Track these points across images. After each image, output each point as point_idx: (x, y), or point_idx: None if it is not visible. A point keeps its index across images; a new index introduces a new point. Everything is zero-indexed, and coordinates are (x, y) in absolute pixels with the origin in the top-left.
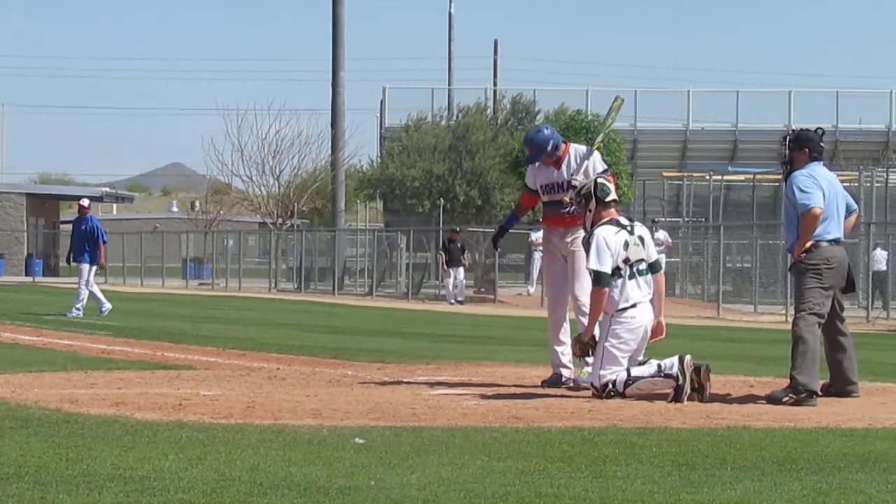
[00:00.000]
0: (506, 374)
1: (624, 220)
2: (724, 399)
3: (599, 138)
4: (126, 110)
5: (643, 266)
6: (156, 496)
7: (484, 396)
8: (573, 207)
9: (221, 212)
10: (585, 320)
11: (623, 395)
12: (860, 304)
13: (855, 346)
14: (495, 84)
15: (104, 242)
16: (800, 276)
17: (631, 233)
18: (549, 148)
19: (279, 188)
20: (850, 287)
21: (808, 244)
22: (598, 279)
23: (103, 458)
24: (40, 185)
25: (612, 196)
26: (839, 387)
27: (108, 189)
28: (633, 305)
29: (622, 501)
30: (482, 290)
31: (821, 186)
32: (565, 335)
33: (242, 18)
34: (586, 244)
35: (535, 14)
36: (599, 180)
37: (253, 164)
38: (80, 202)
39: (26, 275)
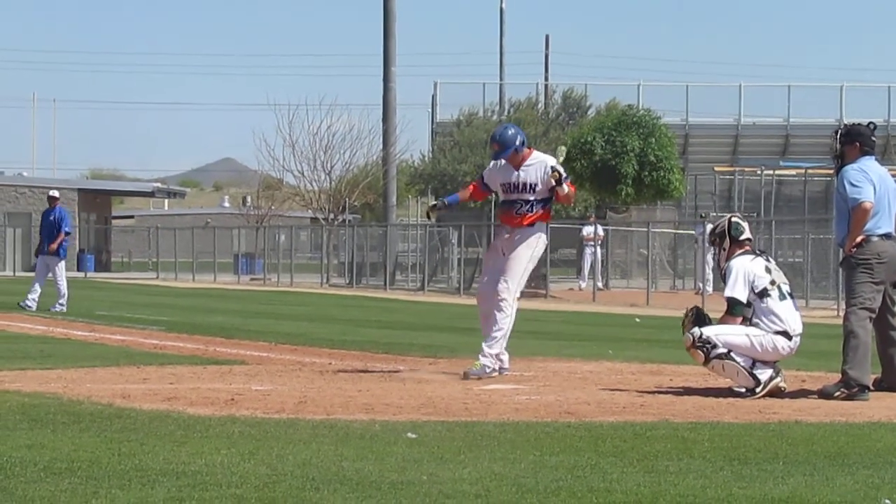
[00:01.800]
0: (558, 369)
1: (758, 250)
2: (777, 394)
3: (560, 157)
4: (177, 105)
5: (789, 289)
6: (208, 491)
7: (535, 391)
8: (529, 207)
9: (273, 207)
10: (499, 321)
11: (707, 360)
12: None
13: None
14: (546, 79)
15: (64, 232)
16: (851, 271)
17: (767, 260)
18: (518, 144)
19: (330, 183)
20: None
21: (859, 239)
22: (732, 308)
23: (155, 453)
24: (92, 181)
25: (747, 235)
26: (891, 381)
27: (159, 185)
28: (790, 337)
29: (674, 496)
30: (533, 285)
31: (871, 181)
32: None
33: (294, 13)
34: (722, 276)
35: (587, 8)
36: (734, 219)
37: (304, 159)
38: (50, 193)
39: (78, 270)
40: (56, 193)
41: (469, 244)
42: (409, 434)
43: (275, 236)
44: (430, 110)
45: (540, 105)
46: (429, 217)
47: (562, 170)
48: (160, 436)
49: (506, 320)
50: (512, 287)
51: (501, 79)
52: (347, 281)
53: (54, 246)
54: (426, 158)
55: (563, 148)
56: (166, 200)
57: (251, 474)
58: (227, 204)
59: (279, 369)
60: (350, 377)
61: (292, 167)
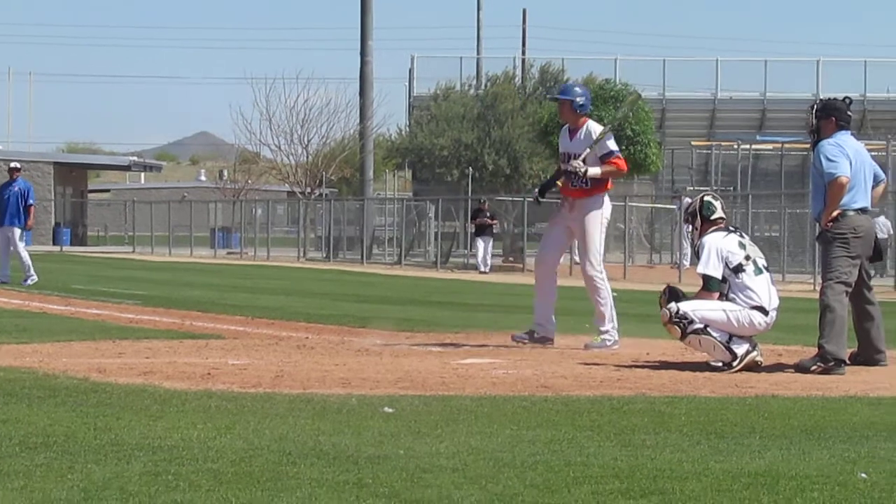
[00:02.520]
0: (534, 343)
1: (732, 227)
2: (753, 368)
3: (606, 129)
4: (154, 79)
5: (765, 263)
6: (184, 465)
7: (513, 365)
8: (579, 180)
9: (250, 181)
10: (599, 298)
11: (684, 336)
12: (888, 273)
13: (883, 314)
14: (524, 53)
15: (30, 204)
16: (827, 246)
17: (741, 236)
18: (577, 100)
19: (307, 157)
20: (877, 256)
21: (835, 213)
22: (708, 284)
23: (132, 428)
24: (68, 155)
25: (718, 214)
26: (867, 355)
27: (136, 158)
28: (766, 313)
29: (651, 470)
30: (511, 259)
31: (848, 155)
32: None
33: None
34: (696, 252)
35: None
36: (706, 198)
37: (281, 133)
38: (11, 165)
39: (54, 244)
40: (17, 165)
41: (446, 218)
42: (386, 408)
43: (251, 210)
44: (406, 84)
45: (517, 79)
46: (538, 202)
47: (579, 167)
48: (136, 410)
49: (605, 295)
50: (595, 262)
51: (479, 53)
52: (324, 255)
53: (31, 223)
54: (403, 132)
55: (637, 93)
56: (142, 174)
57: (228, 448)
58: (203, 178)
59: (256, 343)
60: (327, 351)
61: (269, 141)
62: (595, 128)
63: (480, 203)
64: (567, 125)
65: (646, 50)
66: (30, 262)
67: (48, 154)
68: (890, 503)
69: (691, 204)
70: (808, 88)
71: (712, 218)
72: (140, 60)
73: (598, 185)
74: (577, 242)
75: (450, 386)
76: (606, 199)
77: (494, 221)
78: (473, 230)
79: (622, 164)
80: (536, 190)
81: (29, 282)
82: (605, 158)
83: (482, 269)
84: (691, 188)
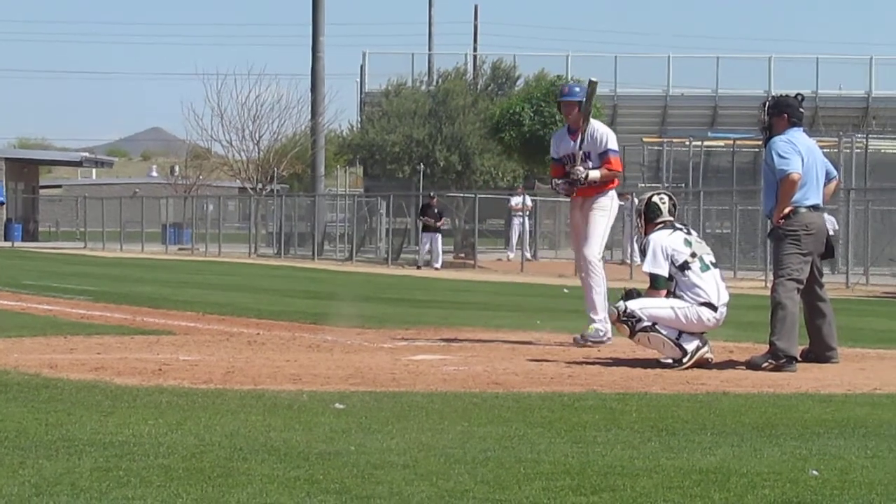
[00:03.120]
0: (486, 340)
1: (678, 224)
2: (704, 365)
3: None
4: (106, 75)
5: (713, 259)
6: (135, 461)
7: (464, 362)
8: (582, 177)
9: (201, 177)
10: (595, 285)
11: (633, 334)
12: (839, 270)
13: (834, 311)
14: (475, 49)
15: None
16: (778, 242)
17: (687, 233)
18: (581, 99)
19: (259, 153)
20: (829, 253)
21: (787, 210)
22: (655, 282)
23: (83, 423)
24: (19, 150)
25: (663, 217)
26: (818, 352)
27: (87, 154)
28: (715, 309)
29: (602, 467)
30: (462, 255)
31: (799, 152)
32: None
33: None
34: (641, 251)
35: None
36: (653, 200)
37: (233, 128)
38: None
39: (5, 240)
40: None
41: (397, 214)
42: (337, 404)
43: (203, 206)
44: (358, 80)
45: (469, 76)
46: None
47: (581, 173)
48: (87, 406)
49: (600, 283)
50: (596, 248)
51: (430, 49)
52: (276, 251)
53: None
54: (355, 128)
55: (595, 81)
56: (94, 170)
57: (179, 444)
58: (155, 174)
59: (207, 339)
60: (278, 347)
61: (221, 137)
62: (600, 127)
63: (430, 198)
64: (567, 126)
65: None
66: None
67: (0, 150)
68: (841, 500)
69: (640, 201)
70: (760, 85)
71: (656, 221)
72: (92, 56)
73: (606, 182)
74: (582, 228)
75: (401, 382)
76: (614, 194)
77: (441, 222)
78: (419, 226)
79: (618, 165)
80: (561, 182)
81: None
82: (603, 157)
83: (427, 265)
84: (643, 185)
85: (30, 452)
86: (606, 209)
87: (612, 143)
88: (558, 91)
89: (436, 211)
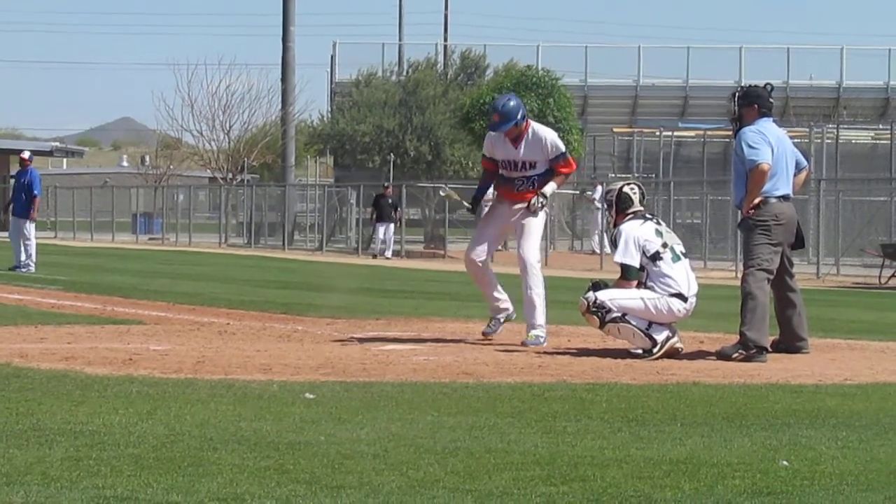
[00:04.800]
0: (455, 330)
1: (648, 214)
2: (674, 355)
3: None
4: (76, 64)
5: (683, 249)
6: (106, 450)
7: (434, 352)
8: (527, 183)
9: (171, 166)
10: (536, 287)
11: (603, 324)
12: (810, 261)
13: (805, 302)
14: (446, 39)
15: (35, 196)
16: (748, 233)
17: (658, 223)
18: (519, 118)
19: (229, 143)
20: (799, 243)
21: (757, 200)
22: (626, 272)
23: (53, 413)
24: None
25: (635, 208)
26: (789, 343)
27: (58, 144)
28: (685, 299)
29: (572, 457)
30: (432, 245)
31: (769, 142)
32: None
33: None
34: (612, 241)
35: None
36: (625, 190)
37: (203, 118)
38: (21, 154)
39: None
40: (27, 155)
41: (368, 204)
42: (307, 394)
43: (173, 196)
44: (328, 70)
45: (439, 66)
46: (473, 211)
47: (543, 201)
48: (58, 395)
49: (540, 284)
50: (535, 249)
51: (400, 39)
52: (246, 241)
53: (34, 215)
54: (325, 118)
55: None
56: (65, 160)
57: (149, 434)
58: (125, 163)
59: (177, 329)
60: (248, 337)
61: (191, 127)
62: (544, 132)
63: (384, 188)
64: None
65: (568, 36)
66: (34, 253)
67: None
68: (811, 491)
69: (611, 191)
70: (731, 75)
71: (628, 211)
72: (62, 45)
73: (541, 185)
74: (517, 232)
75: (371, 372)
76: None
77: (398, 213)
78: (373, 215)
79: (571, 166)
80: (468, 203)
81: (20, 270)
82: (556, 161)
83: (376, 255)
84: (613, 175)
85: (0, 442)
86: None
87: (562, 145)
88: (490, 120)
89: (390, 201)
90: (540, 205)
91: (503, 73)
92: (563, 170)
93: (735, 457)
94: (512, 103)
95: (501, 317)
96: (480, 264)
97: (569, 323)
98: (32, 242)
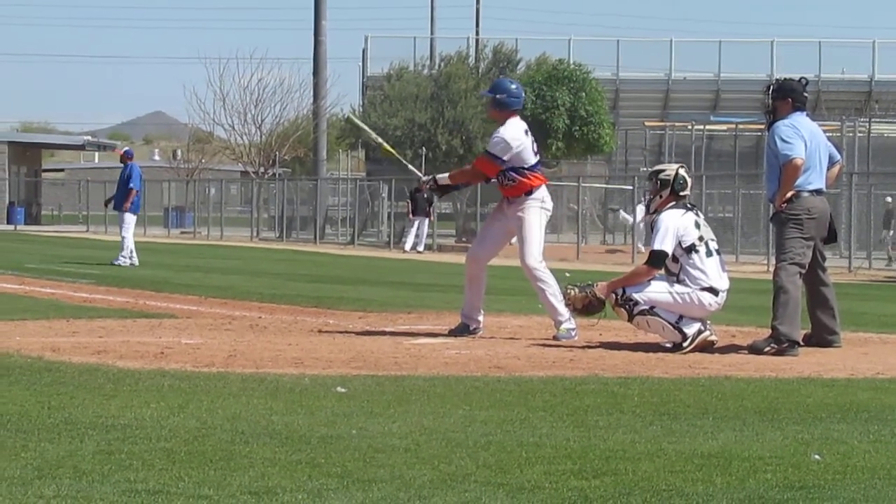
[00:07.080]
0: (487, 324)
1: (689, 204)
2: (707, 348)
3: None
4: (108, 58)
5: (716, 245)
6: (137, 444)
7: (465, 346)
8: (510, 180)
9: (203, 160)
10: (546, 288)
11: (631, 317)
12: (842, 255)
13: (837, 296)
14: (477, 33)
15: (130, 188)
16: (781, 227)
17: (697, 215)
18: (495, 95)
19: (261, 137)
20: (831, 237)
21: (790, 194)
22: (656, 260)
23: (85, 407)
24: (22, 134)
25: (687, 192)
26: (821, 337)
27: (90, 138)
28: (717, 293)
29: (604, 451)
30: (464, 239)
31: (803, 137)
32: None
33: None
34: (651, 226)
35: None
36: (681, 172)
37: (235, 112)
38: (118, 151)
39: (8, 223)
40: (124, 151)
41: (399, 198)
42: (339, 388)
43: (205, 190)
44: (360, 64)
45: (470, 59)
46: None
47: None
48: (90, 389)
49: (551, 283)
50: (535, 253)
51: (432, 33)
52: (277, 235)
53: (128, 205)
54: (356, 112)
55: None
56: (97, 153)
57: (181, 428)
58: (157, 157)
59: (209, 323)
60: (280, 331)
61: (223, 121)
62: (506, 125)
63: (419, 182)
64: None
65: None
66: (127, 248)
67: (2, 133)
68: (843, 485)
69: (664, 171)
70: (763, 69)
71: (681, 194)
72: (94, 40)
73: (529, 180)
74: (517, 236)
75: (402, 366)
76: (544, 191)
77: (432, 207)
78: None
79: (485, 166)
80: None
81: (114, 262)
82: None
83: (407, 248)
84: (644, 169)
85: (32, 435)
86: (536, 208)
87: (496, 145)
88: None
89: (425, 196)
90: (427, 186)
91: (535, 67)
92: (476, 162)
93: (767, 451)
94: (504, 82)
95: (472, 325)
96: (480, 265)
97: (600, 316)
98: (128, 237)
